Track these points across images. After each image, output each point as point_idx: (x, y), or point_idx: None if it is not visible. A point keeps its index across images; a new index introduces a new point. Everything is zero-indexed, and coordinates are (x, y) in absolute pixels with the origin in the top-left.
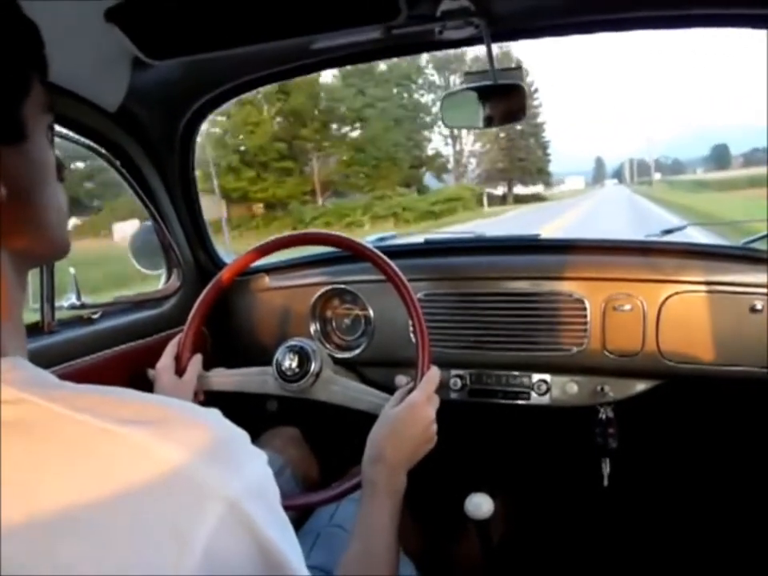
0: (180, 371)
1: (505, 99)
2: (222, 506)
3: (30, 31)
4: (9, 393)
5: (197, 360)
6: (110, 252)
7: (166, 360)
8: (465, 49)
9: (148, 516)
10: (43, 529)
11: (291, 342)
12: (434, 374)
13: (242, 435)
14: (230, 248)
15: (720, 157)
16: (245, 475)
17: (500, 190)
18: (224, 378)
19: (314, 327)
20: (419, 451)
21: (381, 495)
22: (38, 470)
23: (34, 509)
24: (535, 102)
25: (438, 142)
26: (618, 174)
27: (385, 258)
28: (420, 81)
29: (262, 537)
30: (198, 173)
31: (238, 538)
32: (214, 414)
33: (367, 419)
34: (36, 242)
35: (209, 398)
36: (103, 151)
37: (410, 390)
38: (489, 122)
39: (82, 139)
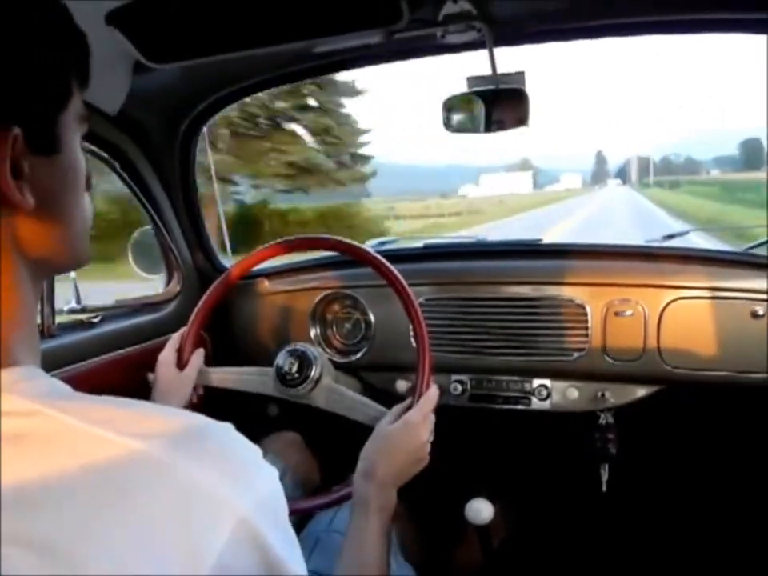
0: (181, 365)
1: (507, 104)
2: (234, 521)
3: (79, 42)
4: (22, 404)
5: (199, 354)
6: None
7: (168, 352)
8: None
9: (163, 530)
10: (56, 539)
11: (293, 347)
12: (432, 395)
13: (255, 450)
14: (229, 252)
15: (752, 155)
16: (256, 491)
17: None
18: (224, 375)
19: (314, 331)
20: (410, 470)
21: (370, 511)
22: (51, 482)
23: (46, 520)
24: None
25: None
26: (622, 173)
27: (386, 262)
28: None
29: (270, 553)
30: None
31: (247, 554)
32: (228, 428)
33: (368, 426)
34: (58, 253)
35: (209, 395)
36: (103, 154)
37: (408, 408)
38: (490, 127)
39: (82, 141)
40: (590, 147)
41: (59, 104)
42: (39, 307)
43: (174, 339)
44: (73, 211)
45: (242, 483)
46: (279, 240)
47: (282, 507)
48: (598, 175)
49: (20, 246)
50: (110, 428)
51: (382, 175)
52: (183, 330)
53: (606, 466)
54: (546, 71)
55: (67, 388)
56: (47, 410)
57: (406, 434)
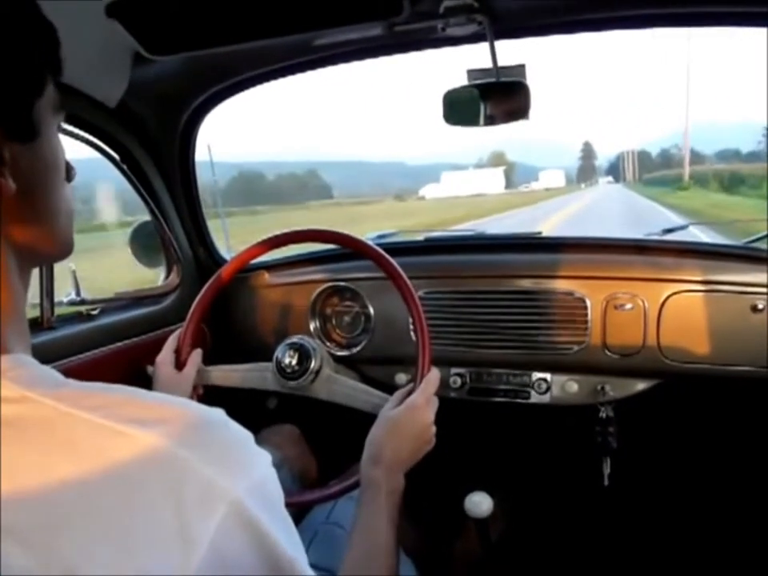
0: (180, 365)
1: (507, 97)
2: (226, 505)
3: (48, 32)
4: (13, 390)
5: (197, 354)
6: None
7: (166, 353)
8: None
9: (155, 515)
10: (49, 528)
11: (291, 340)
12: (434, 376)
13: (247, 436)
14: (230, 244)
15: None
16: (249, 476)
17: None
18: (223, 373)
19: (313, 324)
20: (418, 453)
21: (380, 496)
22: (43, 469)
23: (36, 507)
24: None
25: None
26: (614, 170)
27: (386, 255)
28: None
29: (264, 537)
30: None
31: (241, 538)
32: (219, 413)
33: (366, 418)
34: (42, 241)
35: (208, 392)
36: (103, 146)
37: (410, 392)
38: (490, 120)
39: (82, 134)
40: (576, 140)
41: (34, 91)
42: (39, 299)
43: (171, 340)
44: (55, 198)
45: (235, 468)
46: (278, 233)
47: (276, 491)
48: (586, 171)
49: (6, 233)
50: (104, 415)
51: (361, 174)
52: (179, 331)
53: (608, 460)
54: (530, 55)
55: (59, 375)
56: (38, 396)
57: (410, 417)
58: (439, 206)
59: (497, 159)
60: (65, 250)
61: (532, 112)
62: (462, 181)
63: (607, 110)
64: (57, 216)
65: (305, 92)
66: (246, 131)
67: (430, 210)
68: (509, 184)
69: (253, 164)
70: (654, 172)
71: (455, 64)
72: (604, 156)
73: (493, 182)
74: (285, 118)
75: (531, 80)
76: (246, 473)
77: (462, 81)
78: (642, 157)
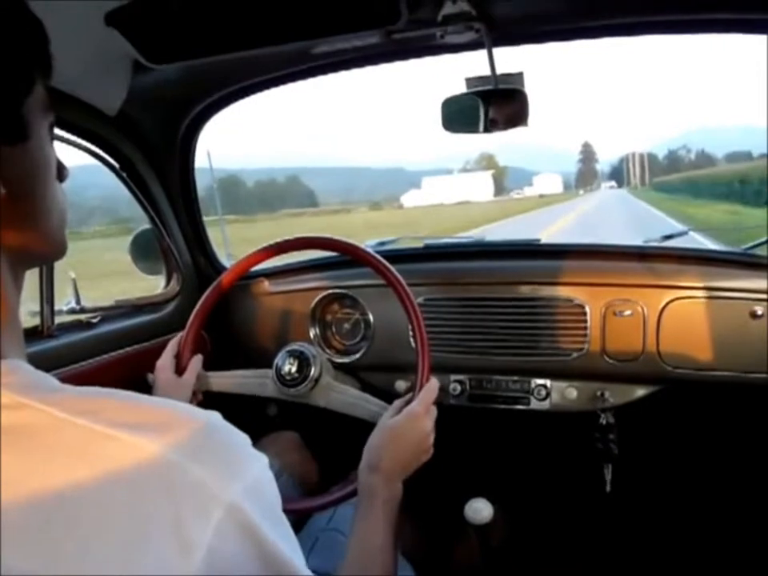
0: (180, 370)
1: (506, 104)
2: (223, 508)
3: (35, 28)
4: (8, 397)
5: (197, 360)
6: None
7: (166, 358)
8: None
9: (152, 520)
10: (46, 532)
11: (291, 347)
12: (433, 386)
13: (243, 438)
14: (230, 251)
15: None
16: (245, 478)
17: None
18: (223, 379)
19: (313, 332)
20: (416, 462)
21: (377, 504)
22: (39, 475)
23: (35, 513)
24: None
25: None
26: (617, 174)
27: (385, 262)
28: None
29: (261, 539)
30: None
31: (238, 541)
32: (215, 417)
33: (367, 425)
34: (34, 242)
35: (207, 398)
36: (103, 155)
37: (409, 401)
38: (489, 127)
39: (82, 142)
40: (575, 143)
41: (21, 91)
42: (39, 308)
43: (172, 345)
44: (46, 199)
45: (230, 471)
46: (277, 241)
47: (273, 493)
48: (586, 176)
49: None
50: (98, 420)
51: (359, 180)
52: (180, 335)
53: (609, 466)
54: (528, 56)
55: (55, 381)
56: (34, 402)
57: (409, 425)
58: (413, 217)
59: (486, 162)
60: (58, 250)
61: (530, 116)
62: (446, 186)
63: (609, 112)
64: (49, 217)
65: (303, 95)
66: (243, 135)
67: (392, 223)
68: (499, 190)
69: (249, 171)
70: (662, 176)
71: (455, 69)
72: (605, 160)
73: (480, 187)
74: (282, 122)
75: (529, 83)
76: (241, 476)
77: (461, 88)
78: (649, 159)
